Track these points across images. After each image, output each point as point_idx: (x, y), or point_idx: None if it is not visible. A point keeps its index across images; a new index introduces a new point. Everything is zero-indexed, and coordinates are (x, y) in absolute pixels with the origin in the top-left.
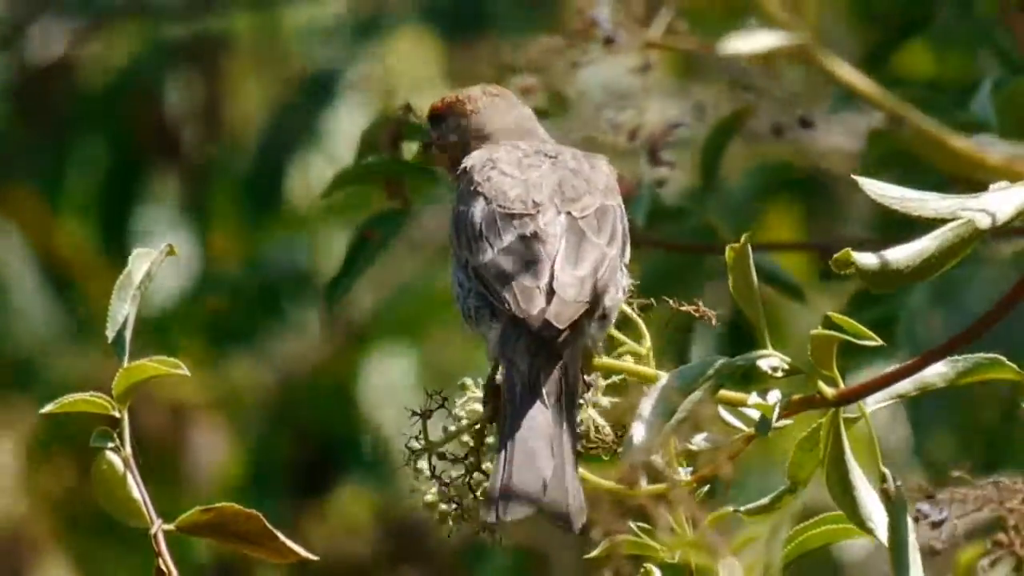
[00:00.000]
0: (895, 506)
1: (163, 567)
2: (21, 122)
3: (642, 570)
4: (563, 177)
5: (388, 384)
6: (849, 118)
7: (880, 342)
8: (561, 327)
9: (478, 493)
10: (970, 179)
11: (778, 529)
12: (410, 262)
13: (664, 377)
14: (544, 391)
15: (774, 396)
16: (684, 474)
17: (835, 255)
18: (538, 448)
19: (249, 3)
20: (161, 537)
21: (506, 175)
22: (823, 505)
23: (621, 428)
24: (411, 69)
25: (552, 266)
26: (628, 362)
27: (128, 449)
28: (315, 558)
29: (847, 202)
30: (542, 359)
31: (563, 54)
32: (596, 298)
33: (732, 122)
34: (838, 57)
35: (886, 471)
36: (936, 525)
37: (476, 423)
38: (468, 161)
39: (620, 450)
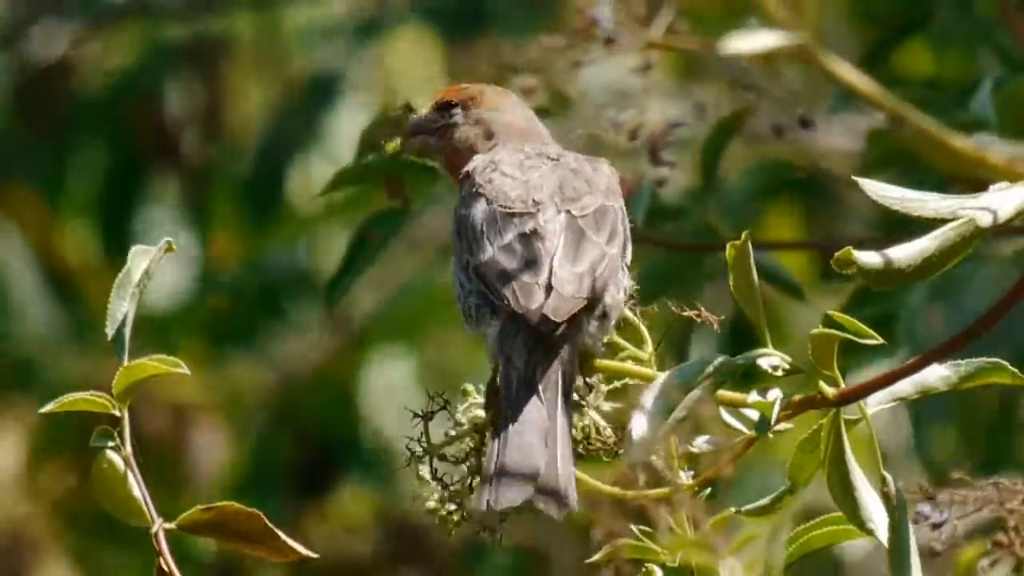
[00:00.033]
0: (895, 507)
1: (164, 566)
2: (22, 123)
3: (643, 571)
4: (564, 178)
5: (388, 384)
6: (849, 118)
7: (880, 340)
8: (558, 321)
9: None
10: (970, 178)
11: (779, 529)
12: (410, 262)
13: (663, 375)
14: (540, 387)
15: (774, 395)
16: (686, 477)
17: (836, 254)
18: (532, 440)
19: (249, 3)
20: (162, 536)
21: (507, 176)
22: (824, 506)
23: (622, 430)
24: (411, 69)
25: (551, 263)
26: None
27: (128, 448)
28: (315, 556)
29: (847, 202)
30: (539, 355)
31: (564, 54)
32: (595, 295)
33: (732, 122)
34: (838, 57)
35: (887, 474)
36: (936, 526)
37: (478, 426)
38: (471, 165)
39: (621, 452)
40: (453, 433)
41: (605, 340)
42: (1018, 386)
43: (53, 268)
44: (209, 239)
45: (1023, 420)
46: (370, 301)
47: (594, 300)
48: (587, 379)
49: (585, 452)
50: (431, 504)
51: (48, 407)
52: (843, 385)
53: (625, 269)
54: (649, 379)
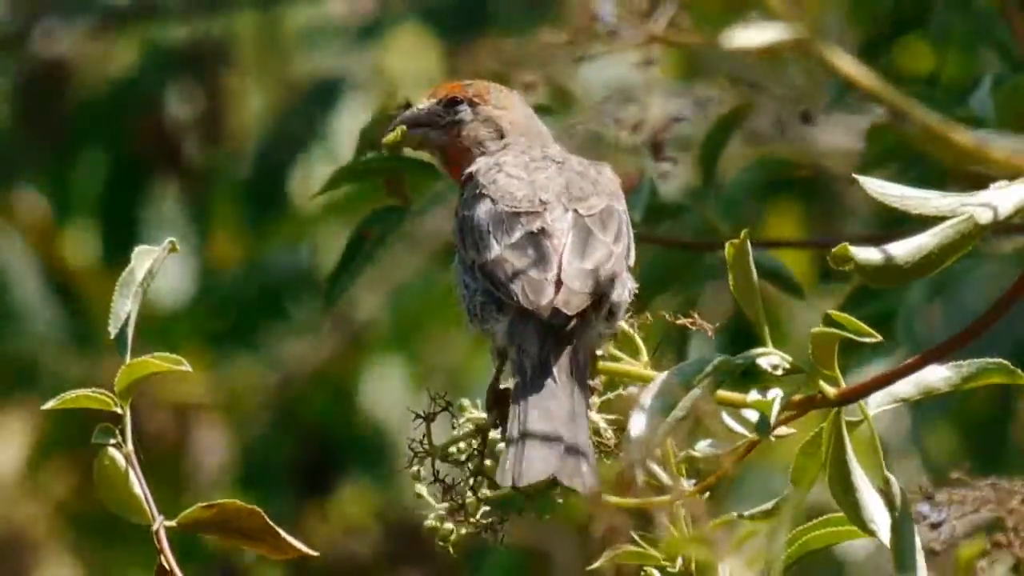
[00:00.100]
0: (897, 508)
1: (165, 564)
2: (23, 125)
3: (643, 573)
4: (570, 179)
5: (388, 384)
6: (849, 117)
7: (879, 338)
8: (570, 314)
9: (480, 495)
10: (970, 175)
11: (778, 528)
12: (410, 262)
13: (663, 374)
14: (555, 370)
15: (774, 395)
16: (687, 482)
17: (833, 250)
18: (551, 418)
19: (250, 3)
20: (163, 533)
21: (512, 177)
22: (827, 505)
23: (622, 432)
24: (411, 68)
25: (560, 259)
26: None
27: (130, 445)
28: (315, 554)
29: (847, 200)
30: (552, 344)
31: (565, 49)
32: (603, 292)
33: (732, 119)
34: (839, 51)
35: (889, 476)
36: (935, 526)
37: (479, 428)
38: (474, 166)
39: (621, 454)
40: (455, 434)
41: (608, 342)
42: (1018, 385)
43: (55, 270)
44: (210, 240)
45: (1022, 420)
46: (370, 301)
47: (602, 297)
48: (590, 381)
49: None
50: (430, 522)
51: (50, 404)
52: (843, 385)
53: (629, 271)
54: (649, 379)
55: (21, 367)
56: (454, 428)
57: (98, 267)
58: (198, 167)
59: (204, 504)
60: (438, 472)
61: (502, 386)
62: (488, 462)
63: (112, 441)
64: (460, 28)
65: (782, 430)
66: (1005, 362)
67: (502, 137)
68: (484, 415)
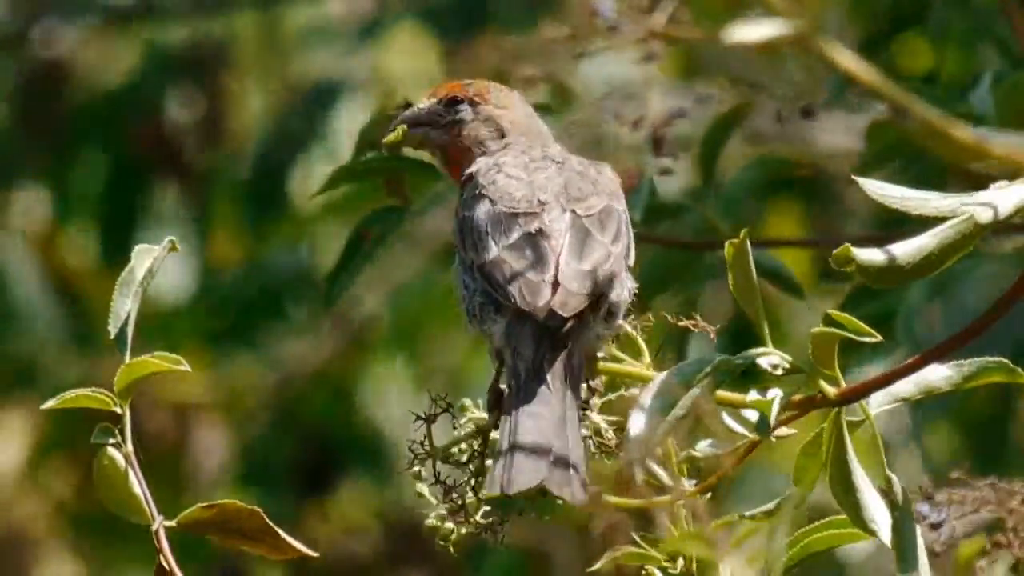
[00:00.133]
0: (899, 508)
1: (164, 564)
2: (22, 126)
3: (644, 572)
4: (569, 179)
5: (389, 384)
6: (849, 117)
7: (879, 338)
8: (566, 315)
9: (481, 496)
10: (970, 173)
11: (779, 529)
12: (411, 262)
13: (663, 374)
14: (549, 376)
15: (773, 394)
16: (687, 483)
17: (835, 251)
18: (543, 426)
19: (250, 4)
20: (162, 533)
21: (512, 178)
22: (829, 505)
23: (622, 433)
24: (411, 68)
25: (557, 260)
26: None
27: (129, 445)
28: (315, 554)
29: (847, 200)
30: (547, 347)
31: (566, 45)
32: (601, 293)
33: (731, 117)
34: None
35: (891, 476)
36: (935, 526)
37: (480, 429)
38: (474, 167)
39: (622, 455)
40: (455, 435)
41: (608, 344)
42: (1018, 385)
43: (55, 269)
44: (210, 239)
45: (1023, 419)
46: (370, 301)
47: (600, 298)
48: (590, 382)
49: (586, 454)
50: (431, 522)
51: (50, 403)
52: (843, 384)
53: (629, 271)
54: (649, 379)
55: (21, 366)
56: (455, 428)
57: (98, 267)
58: (198, 167)
59: (204, 504)
60: (439, 473)
61: (502, 386)
62: (489, 463)
63: (112, 441)
64: (460, 27)
65: (783, 430)
66: (1006, 361)
67: (503, 137)
68: (485, 415)
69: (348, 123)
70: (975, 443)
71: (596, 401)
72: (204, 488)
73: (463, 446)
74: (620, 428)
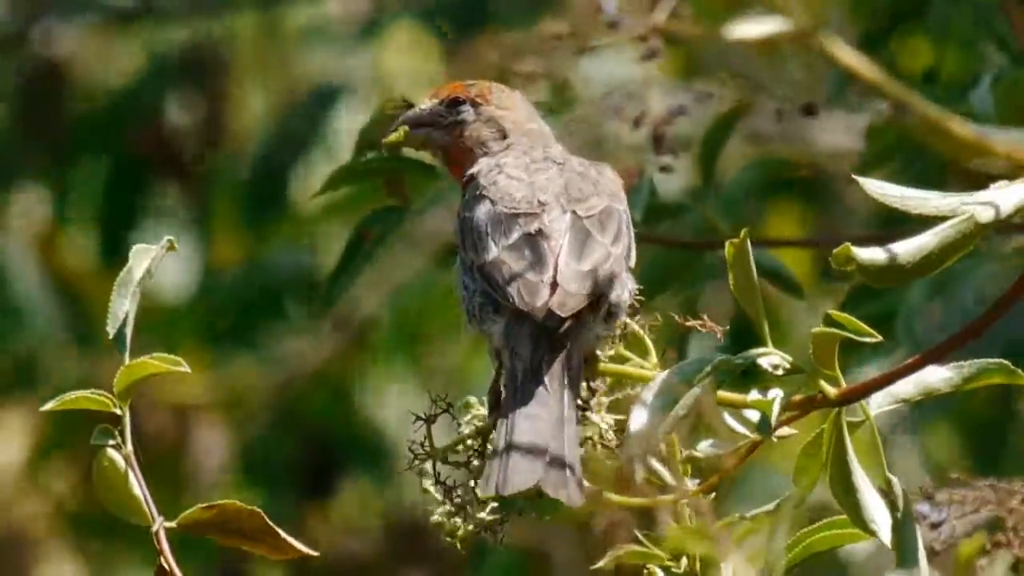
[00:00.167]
0: (899, 508)
1: (164, 565)
2: (22, 126)
3: (645, 572)
4: (570, 180)
5: (389, 384)
6: (849, 117)
7: (879, 338)
8: (564, 316)
9: (481, 497)
10: (970, 171)
11: (779, 529)
12: (411, 262)
13: (664, 373)
14: (546, 377)
15: (774, 394)
16: (690, 483)
17: (835, 250)
18: (539, 427)
19: (250, 4)
20: (162, 535)
21: (512, 179)
22: (829, 504)
23: (623, 434)
24: (411, 67)
25: (556, 261)
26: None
27: (129, 446)
28: (315, 554)
29: (848, 199)
30: (545, 348)
31: (567, 41)
32: (600, 293)
33: (731, 116)
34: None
35: (891, 476)
36: (935, 526)
37: (480, 430)
38: (476, 167)
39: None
40: (456, 436)
41: (609, 346)
42: (1018, 386)
43: (55, 269)
44: (212, 240)
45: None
46: (371, 301)
47: (599, 298)
48: (590, 383)
49: (586, 454)
50: (437, 518)
51: (49, 405)
52: (844, 385)
53: (630, 272)
54: (650, 379)
55: (21, 365)
56: (460, 427)
57: (98, 266)
58: (199, 168)
59: (204, 505)
60: (439, 474)
61: (502, 387)
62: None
63: (111, 442)
64: (460, 25)
65: (784, 431)
66: (1006, 362)
67: (505, 137)
68: (486, 415)
69: (348, 124)
70: (975, 444)
71: (602, 400)
72: (204, 488)
73: (463, 446)
74: (620, 429)
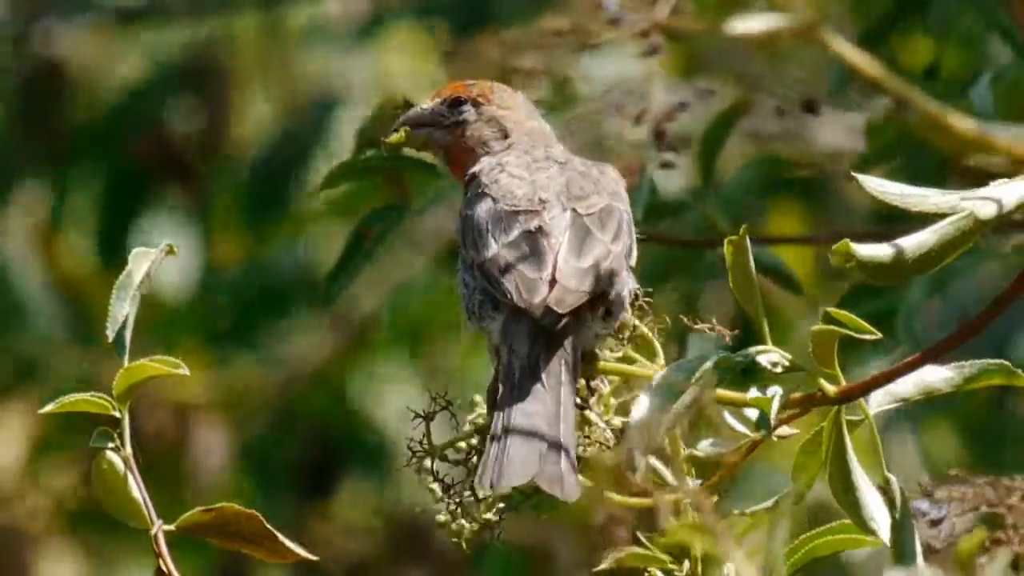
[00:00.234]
0: (897, 506)
1: (163, 568)
2: (22, 127)
3: (646, 574)
4: (571, 178)
5: (389, 384)
6: (849, 116)
7: (878, 335)
8: (562, 312)
9: (480, 495)
10: (970, 168)
11: (778, 525)
12: (412, 262)
13: (663, 370)
14: (543, 374)
15: (773, 392)
16: (691, 482)
17: (834, 247)
18: (535, 423)
19: (251, 4)
20: (161, 538)
21: (514, 177)
22: (829, 503)
23: (622, 433)
24: (411, 67)
25: (555, 258)
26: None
27: (128, 449)
28: (314, 558)
29: (848, 197)
30: (542, 345)
31: (568, 37)
32: (599, 290)
33: (731, 114)
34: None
35: (889, 475)
36: (935, 523)
37: (479, 428)
38: (477, 166)
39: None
40: (456, 434)
41: (617, 348)
42: (1018, 386)
43: (57, 268)
44: (211, 239)
45: (1021, 418)
46: (371, 301)
47: (598, 296)
48: (589, 381)
49: (584, 453)
50: (442, 518)
51: (48, 407)
52: (843, 383)
53: (630, 271)
54: (650, 378)
55: (22, 364)
56: (464, 425)
57: (99, 266)
58: (200, 169)
59: (203, 508)
60: (437, 472)
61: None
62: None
63: (111, 445)
64: (460, 25)
65: (784, 430)
66: (1006, 363)
67: (506, 137)
68: (488, 404)
69: (349, 125)
70: (974, 442)
71: (593, 400)
72: (204, 487)
73: (462, 444)
74: (621, 430)
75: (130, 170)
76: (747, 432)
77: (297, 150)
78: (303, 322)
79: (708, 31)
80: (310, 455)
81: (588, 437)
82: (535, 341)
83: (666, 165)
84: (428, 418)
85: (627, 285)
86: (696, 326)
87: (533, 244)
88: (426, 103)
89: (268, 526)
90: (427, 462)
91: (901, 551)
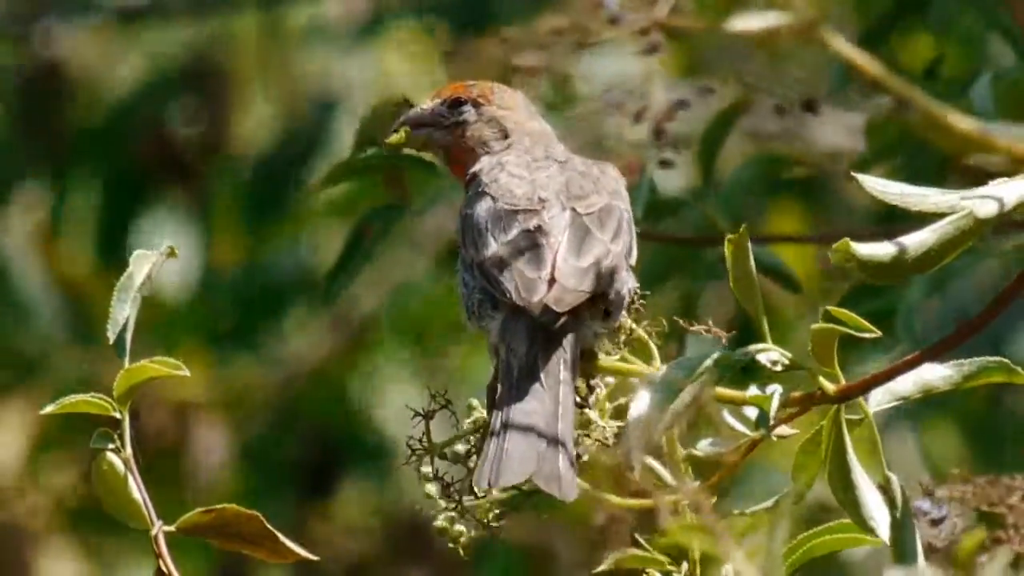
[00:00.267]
0: (898, 505)
1: (163, 569)
2: (23, 127)
3: (645, 574)
4: (571, 177)
5: (390, 384)
6: (849, 115)
7: (878, 333)
8: (560, 311)
9: (479, 493)
10: (969, 168)
11: (778, 525)
12: (412, 262)
13: (663, 368)
14: (542, 373)
15: (772, 390)
16: (690, 483)
17: (834, 246)
18: (533, 422)
19: (251, 5)
20: (161, 539)
21: (514, 176)
22: (828, 502)
23: (620, 432)
24: (412, 67)
25: (554, 257)
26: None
27: (128, 450)
28: (315, 558)
29: (848, 197)
30: (541, 344)
31: (568, 35)
32: (598, 290)
33: (731, 113)
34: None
35: (890, 474)
36: (935, 522)
37: (478, 426)
38: (478, 166)
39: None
40: (456, 432)
41: (613, 351)
42: (1018, 384)
43: (58, 267)
44: (213, 239)
45: (1021, 417)
46: (371, 301)
47: (597, 295)
48: (588, 381)
49: (584, 452)
50: (439, 523)
51: (49, 408)
52: (843, 381)
53: (630, 271)
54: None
55: (23, 362)
56: (458, 426)
57: (100, 266)
58: (200, 169)
59: (203, 509)
60: (436, 470)
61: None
62: None
63: (111, 446)
64: (461, 24)
65: (784, 430)
66: (1006, 360)
67: (506, 137)
68: (488, 403)
69: (349, 125)
70: (973, 441)
71: (592, 399)
72: (204, 487)
73: (461, 443)
74: (618, 434)
75: (130, 170)
76: (746, 431)
77: (297, 150)
78: (303, 322)
79: (708, 30)
80: (310, 455)
81: (587, 436)
82: (534, 340)
83: (666, 164)
84: (428, 416)
85: (626, 284)
86: (692, 328)
87: (532, 243)
88: (426, 103)
89: (268, 527)
90: (425, 461)
91: (901, 550)
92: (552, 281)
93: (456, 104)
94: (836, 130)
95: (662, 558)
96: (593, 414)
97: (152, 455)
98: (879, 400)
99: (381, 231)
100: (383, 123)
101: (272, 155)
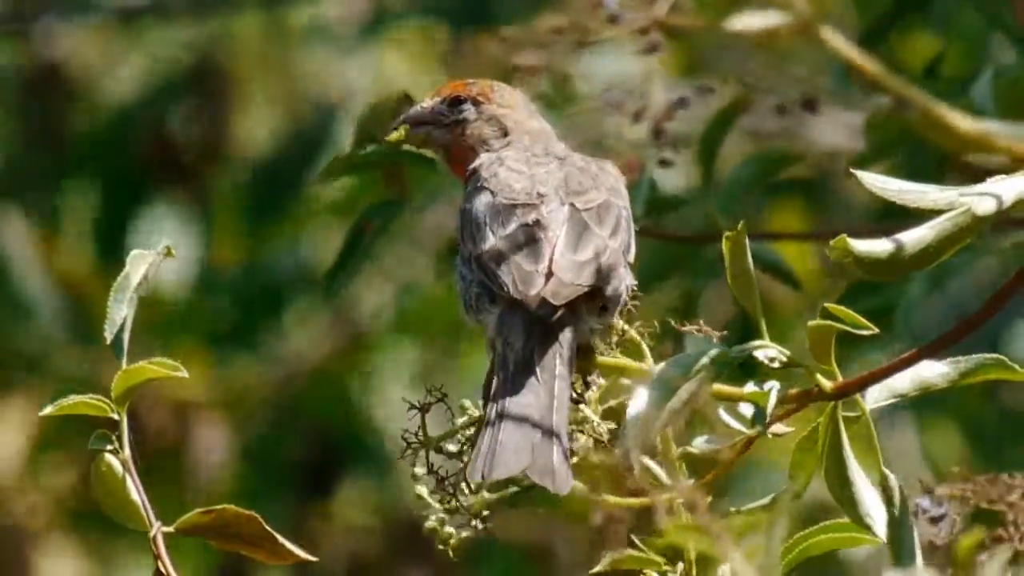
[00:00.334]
0: (895, 503)
1: (162, 570)
2: (23, 127)
3: (642, 574)
4: (569, 173)
5: (390, 383)
6: (849, 114)
7: (875, 330)
8: (557, 304)
9: (473, 486)
10: (968, 166)
11: (776, 524)
12: (413, 260)
13: (661, 365)
14: (538, 367)
15: (770, 386)
16: (686, 480)
17: (832, 242)
18: (528, 415)
19: (252, 5)
20: (160, 540)
21: (513, 171)
22: (828, 501)
23: (616, 429)
24: (412, 67)
25: (552, 251)
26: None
27: (127, 451)
28: (313, 559)
29: (847, 194)
30: (537, 338)
31: (568, 35)
32: (595, 284)
33: (731, 111)
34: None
35: (887, 471)
36: (935, 520)
37: (474, 420)
38: (477, 162)
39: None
40: (451, 426)
41: (607, 352)
42: (1017, 382)
43: (58, 269)
44: (213, 238)
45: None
46: (372, 300)
47: (594, 290)
48: (586, 377)
49: (580, 448)
50: (431, 524)
51: (47, 410)
52: (840, 378)
53: (628, 268)
54: (647, 374)
55: (21, 363)
56: (462, 421)
57: (100, 266)
58: (201, 170)
59: (202, 509)
60: (432, 464)
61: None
62: None
63: (109, 447)
64: (461, 24)
65: (780, 428)
66: (1002, 357)
67: (506, 135)
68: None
69: (349, 126)
70: (973, 439)
71: (588, 395)
72: (204, 487)
73: (458, 437)
74: (613, 431)
75: (130, 170)
76: (742, 429)
77: (298, 151)
78: (303, 321)
79: (708, 29)
80: (310, 454)
81: (583, 432)
82: (531, 334)
83: (665, 163)
84: (423, 410)
85: (624, 281)
86: (684, 327)
87: (530, 237)
88: (426, 102)
89: (268, 528)
90: (421, 455)
91: (899, 548)
92: (549, 275)
93: (456, 102)
94: (836, 129)
95: (658, 559)
96: (588, 410)
97: (152, 455)
98: (876, 397)
99: (381, 227)
100: (382, 119)
101: (272, 155)
